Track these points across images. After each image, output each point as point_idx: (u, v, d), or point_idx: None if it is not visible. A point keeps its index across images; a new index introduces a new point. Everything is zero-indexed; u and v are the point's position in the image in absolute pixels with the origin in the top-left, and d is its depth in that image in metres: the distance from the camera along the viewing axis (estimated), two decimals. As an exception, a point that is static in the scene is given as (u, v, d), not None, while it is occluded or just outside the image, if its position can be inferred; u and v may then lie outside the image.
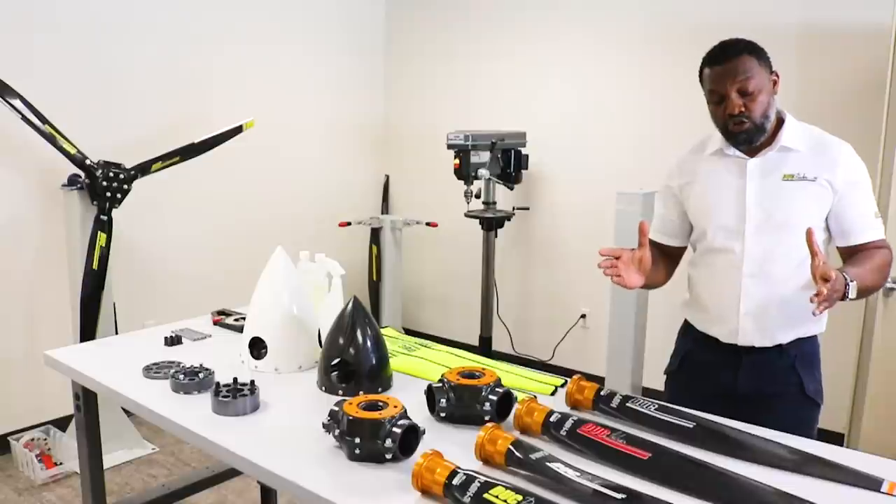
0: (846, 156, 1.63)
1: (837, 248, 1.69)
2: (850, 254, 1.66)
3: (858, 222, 1.64)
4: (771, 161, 1.65)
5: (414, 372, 1.70)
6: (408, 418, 1.26)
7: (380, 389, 1.57)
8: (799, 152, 1.64)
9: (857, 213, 1.63)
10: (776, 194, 1.63)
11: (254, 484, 2.74)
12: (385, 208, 4.74)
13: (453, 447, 1.24)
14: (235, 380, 1.51)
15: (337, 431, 1.27)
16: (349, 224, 4.28)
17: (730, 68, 1.59)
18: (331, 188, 4.40)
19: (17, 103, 2.72)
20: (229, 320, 2.12)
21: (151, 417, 1.52)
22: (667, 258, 1.85)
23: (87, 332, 2.90)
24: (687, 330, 1.86)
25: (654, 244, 1.85)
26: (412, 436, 1.25)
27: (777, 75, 1.64)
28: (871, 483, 1.16)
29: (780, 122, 1.66)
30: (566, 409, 1.43)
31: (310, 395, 1.58)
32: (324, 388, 1.59)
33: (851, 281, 1.47)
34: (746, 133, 1.61)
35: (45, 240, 3.14)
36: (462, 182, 3.70)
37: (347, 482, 1.19)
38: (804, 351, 1.69)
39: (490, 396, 1.38)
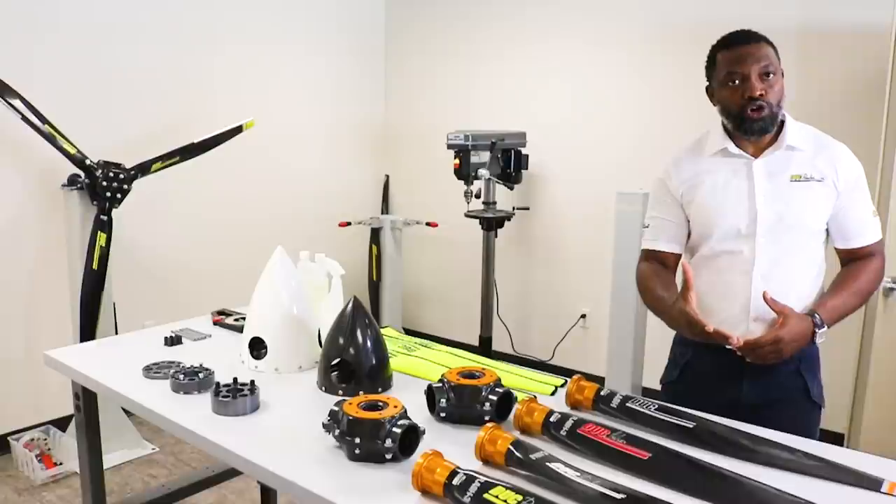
0: (846, 156, 1.63)
1: (836, 249, 1.68)
2: (848, 256, 1.66)
3: (858, 225, 1.64)
4: (776, 161, 1.63)
5: (414, 372, 1.70)
6: (408, 418, 1.26)
7: (380, 389, 1.57)
8: (803, 152, 1.62)
9: (856, 216, 1.64)
10: (786, 196, 1.61)
11: (254, 484, 2.74)
12: (385, 208, 4.74)
13: (453, 447, 1.23)
14: (235, 380, 1.51)
15: (337, 431, 1.26)
16: (349, 224, 4.28)
17: (753, 50, 1.58)
18: (331, 188, 4.40)
19: (17, 103, 2.72)
20: (229, 320, 2.12)
21: (151, 417, 1.52)
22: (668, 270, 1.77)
23: (87, 332, 2.89)
24: (685, 338, 1.74)
25: (651, 255, 1.79)
26: (412, 436, 1.25)
27: (782, 73, 1.63)
28: (871, 483, 1.16)
29: (782, 121, 1.65)
30: (566, 409, 1.43)
31: (310, 395, 1.58)
32: (324, 388, 1.59)
33: (822, 326, 1.53)
34: (762, 121, 1.58)
35: (45, 240, 3.14)
36: (462, 182, 3.70)
37: (347, 482, 1.18)
38: (808, 355, 1.65)
39: (490, 396, 1.38)
